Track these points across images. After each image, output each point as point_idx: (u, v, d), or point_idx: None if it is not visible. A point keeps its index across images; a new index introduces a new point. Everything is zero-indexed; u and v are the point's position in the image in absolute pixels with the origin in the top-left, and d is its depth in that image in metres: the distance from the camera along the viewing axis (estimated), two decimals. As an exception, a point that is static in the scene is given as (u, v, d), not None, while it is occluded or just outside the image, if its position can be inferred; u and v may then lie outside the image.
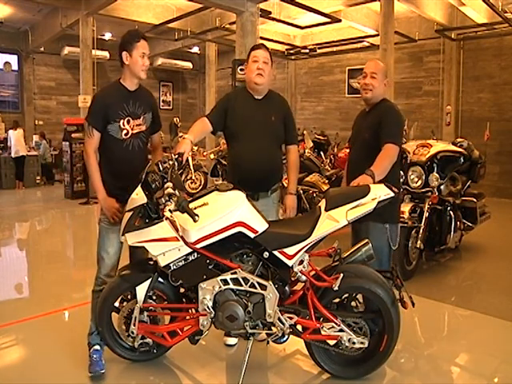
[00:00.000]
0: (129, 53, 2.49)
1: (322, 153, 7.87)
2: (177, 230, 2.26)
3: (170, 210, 2.22)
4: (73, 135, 9.11)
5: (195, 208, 2.22)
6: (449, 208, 4.53)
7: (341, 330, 2.36)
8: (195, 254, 2.30)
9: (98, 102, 2.55)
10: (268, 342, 2.48)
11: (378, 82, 2.78)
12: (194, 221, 2.10)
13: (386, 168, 2.55)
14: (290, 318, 2.35)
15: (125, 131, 2.52)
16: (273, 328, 2.38)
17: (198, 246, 2.26)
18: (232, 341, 2.92)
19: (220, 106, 2.81)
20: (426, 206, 4.26)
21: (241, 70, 7.15)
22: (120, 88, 2.56)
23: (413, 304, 2.44)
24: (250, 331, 2.37)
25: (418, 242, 4.10)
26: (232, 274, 2.32)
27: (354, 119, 3.05)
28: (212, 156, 8.18)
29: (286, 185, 2.95)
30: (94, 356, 2.58)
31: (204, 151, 9.97)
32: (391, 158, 2.61)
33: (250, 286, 2.33)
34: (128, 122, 2.53)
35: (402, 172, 3.91)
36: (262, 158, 2.70)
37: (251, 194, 2.63)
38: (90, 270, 2.64)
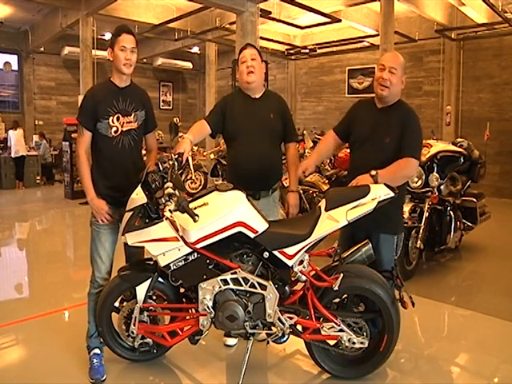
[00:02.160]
0: (112, 48, 2.47)
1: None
2: (177, 230, 2.26)
3: (170, 210, 2.23)
4: (73, 135, 9.11)
5: (195, 208, 2.22)
6: (449, 208, 4.53)
7: (341, 330, 2.36)
8: (195, 254, 2.30)
9: (87, 100, 2.49)
10: (268, 342, 2.48)
11: (397, 79, 2.50)
12: (194, 221, 2.10)
13: (397, 179, 2.41)
14: (290, 318, 2.35)
15: (114, 128, 2.47)
16: (273, 328, 2.38)
17: (198, 245, 2.26)
18: (232, 341, 2.92)
19: (218, 109, 2.82)
20: (426, 206, 4.26)
21: (241, 69, 7.14)
22: (109, 85, 2.53)
23: (413, 304, 2.44)
24: (250, 331, 2.37)
25: (418, 242, 4.10)
26: (232, 273, 2.32)
27: (355, 109, 2.76)
28: (212, 156, 8.18)
29: (286, 184, 2.95)
30: (95, 361, 2.57)
31: (204, 151, 9.97)
32: (408, 172, 2.47)
33: (250, 286, 2.33)
34: (118, 119, 2.48)
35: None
36: (262, 157, 2.71)
37: (253, 194, 2.65)
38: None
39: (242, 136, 2.74)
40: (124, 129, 2.51)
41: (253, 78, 2.70)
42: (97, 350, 2.61)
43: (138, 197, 2.28)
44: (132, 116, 2.54)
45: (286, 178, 2.98)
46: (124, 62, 2.44)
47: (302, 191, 5.68)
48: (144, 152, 2.80)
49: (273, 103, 2.82)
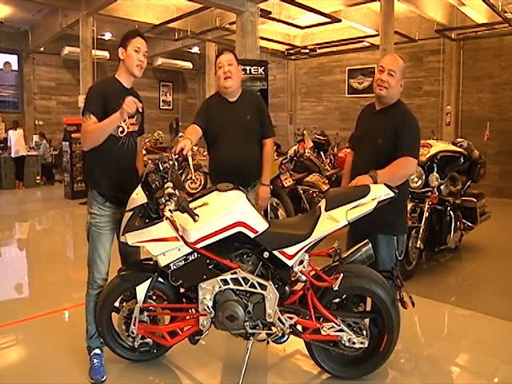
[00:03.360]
0: (124, 48, 2.48)
1: (321, 153, 7.87)
2: (177, 230, 2.26)
3: (170, 210, 2.23)
4: (73, 135, 9.12)
5: (195, 208, 2.22)
6: (449, 208, 4.53)
7: (341, 330, 2.36)
8: (195, 254, 2.30)
9: (96, 92, 2.47)
10: (268, 342, 2.48)
11: (395, 81, 2.55)
12: (194, 221, 2.10)
13: (396, 178, 2.41)
14: (290, 318, 2.35)
15: (121, 129, 2.47)
16: (273, 328, 2.38)
17: (198, 245, 2.26)
18: None
19: (203, 110, 2.97)
20: (426, 206, 4.26)
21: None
22: (117, 84, 2.53)
23: (413, 304, 2.44)
24: (250, 331, 2.37)
25: (418, 241, 4.10)
26: (232, 273, 2.32)
27: (359, 116, 2.85)
28: (212, 156, 8.14)
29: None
30: (95, 361, 2.56)
31: (204, 151, 9.96)
32: (407, 171, 2.48)
33: (250, 286, 2.33)
34: (124, 119, 2.47)
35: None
36: (240, 157, 2.84)
37: None
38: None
39: (220, 138, 2.89)
40: (129, 130, 2.53)
41: (230, 83, 2.83)
42: (97, 350, 2.60)
43: (138, 197, 2.28)
44: (135, 118, 2.57)
45: (286, 178, 3.00)
46: (137, 63, 2.47)
47: (302, 191, 5.68)
48: None
49: (249, 104, 2.93)
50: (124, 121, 2.47)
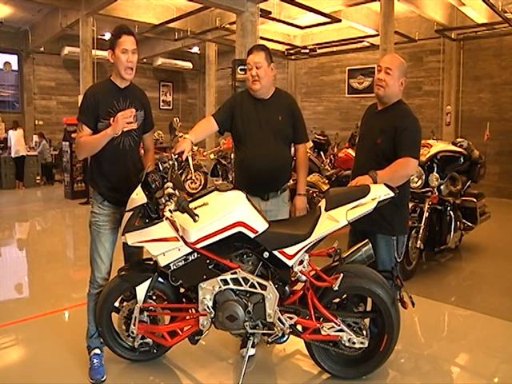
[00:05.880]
0: (113, 50, 2.44)
1: (321, 153, 7.87)
2: (177, 230, 2.26)
3: (170, 210, 2.23)
4: (73, 135, 9.10)
5: (195, 208, 2.22)
6: (449, 208, 4.53)
7: (341, 330, 2.36)
8: (195, 254, 2.30)
9: (88, 99, 2.47)
10: (268, 342, 2.48)
11: (393, 80, 2.53)
12: (194, 221, 2.10)
13: (396, 178, 2.40)
14: (290, 318, 2.35)
15: None
16: (273, 328, 2.38)
17: (198, 245, 2.26)
18: (251, 351, 2.71)
19: (227, 106, 2.80)
20: (426, 206, 4.26)
21: (241, 70, 7.16)
22: (110, 85, 2.51)
23: (413, 304, 2.44)
24: (250, 331, 2.37)
25: (418, 241, 4.10)
26: (232, 273, 2.32)
27: (362, 117, 2.84)
28: (212, 156, 8.18)
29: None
30: (95, 361, 2.57)
31: (204, 151, 9.96)
32: (407, 171, 2.47)
33: (250, 286, 2.33)
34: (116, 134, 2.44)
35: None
36: (270, 159, 2.68)
37: (261, 195, 2.67)
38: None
39: (249, 138, 2.72)
40: (125, 129, 2.50)
41: (258, 86, 2.66)
42: (97, 350, 2.61)
43: (138, 197, 2.28)
44: (132, 117, 2.54)
45: (294, 180, 2.95)
46: (126, 66, 2.42)
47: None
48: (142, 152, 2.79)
49: (282, 105, 2.76)
50: None
